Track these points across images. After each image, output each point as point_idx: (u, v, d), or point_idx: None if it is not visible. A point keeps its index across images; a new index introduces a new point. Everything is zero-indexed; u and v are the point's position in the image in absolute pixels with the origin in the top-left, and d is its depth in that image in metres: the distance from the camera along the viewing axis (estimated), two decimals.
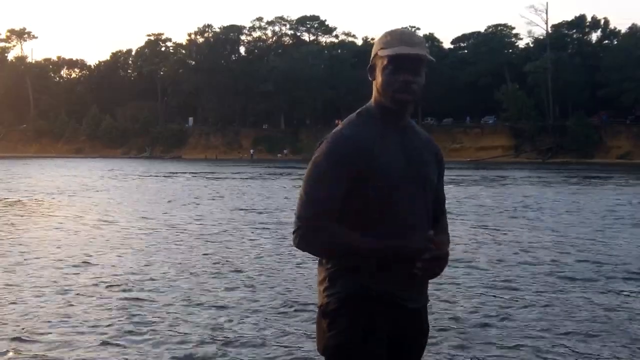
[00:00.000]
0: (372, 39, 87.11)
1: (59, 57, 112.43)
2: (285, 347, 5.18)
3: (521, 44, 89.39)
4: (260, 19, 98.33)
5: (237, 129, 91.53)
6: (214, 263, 8.86)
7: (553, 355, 5.05)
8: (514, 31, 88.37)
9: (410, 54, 2.14)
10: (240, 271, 8.28)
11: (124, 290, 7.09)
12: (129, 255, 9.42)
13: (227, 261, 9.02)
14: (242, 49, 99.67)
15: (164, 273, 8.10)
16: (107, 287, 7.27)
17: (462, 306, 6.48)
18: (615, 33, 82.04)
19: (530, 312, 6.32)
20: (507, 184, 29.68)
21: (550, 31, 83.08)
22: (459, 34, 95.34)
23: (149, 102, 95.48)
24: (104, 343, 5.21)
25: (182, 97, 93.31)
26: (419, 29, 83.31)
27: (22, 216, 15.09)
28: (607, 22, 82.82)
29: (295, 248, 2.25)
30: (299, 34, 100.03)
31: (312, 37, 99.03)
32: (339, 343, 2.18)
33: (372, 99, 2.27)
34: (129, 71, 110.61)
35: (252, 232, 12.28)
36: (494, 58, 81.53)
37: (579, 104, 73.53)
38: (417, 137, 2.30)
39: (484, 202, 19.30)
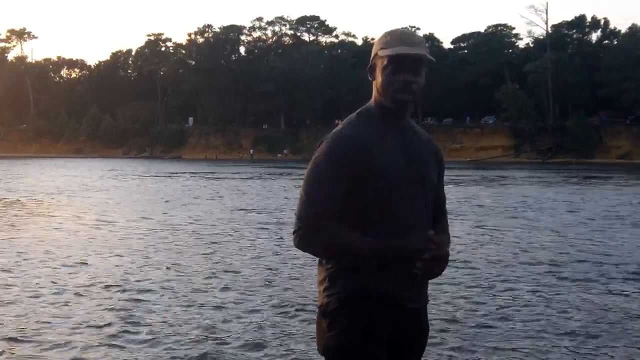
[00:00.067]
0: (372, 39, 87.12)
1: (59, 57, 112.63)
2: (285, 347, 5.18)
3: (521, 44, 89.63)
4: (260, 19, 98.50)
5: (237, 129, 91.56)
6: (213, 263, 8.86)
7: (552, 356, 5.05)
8: (514, 31, 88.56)
9: (410, 54, 2.14)
10: (239, 271, 8.28)
11: (122, 291, 7.07)
12: (127, 256, 9.40)
13: (226, 261, 9.01)
14: (242, 49, 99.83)
15: (162, 273, 8.09)
16: (104, 287, 7.26)
17: (461, 306, 6.48)
18: (615, 33, 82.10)
19: (530, 312, 6.31)
20: (507, 184, 29.68)
21: (550, 31, 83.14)
22: (459, 34, 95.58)
23: (149, 102, 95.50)
24: (101, 344, 5.20)
25: (182, 97, 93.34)
26: (419, 29, 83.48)
27: (21, 216, 15.09)
28: (607, 22, 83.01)
29: (294, 248, 2.25)
30: (299, 34, 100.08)
31: (312, 37, 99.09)
32: (339, 343, 2.18)
33: (372, 99, 2.27)
34: (129, 71, 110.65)
35: (252, 232, 12.27)
36: (494, 58, 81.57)
37: (579, 104, 73.57)
38: (417, 137, 2.30)
39: (483, 202, 19.30)
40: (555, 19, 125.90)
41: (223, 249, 10.20)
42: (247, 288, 7.28)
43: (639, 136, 69.99)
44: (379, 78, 2.20)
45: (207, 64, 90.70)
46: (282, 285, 7.40)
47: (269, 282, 7.61)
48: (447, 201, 2.47)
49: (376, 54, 2.21)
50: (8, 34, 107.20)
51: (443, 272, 2.24)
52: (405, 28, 2.44)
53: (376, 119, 2.23)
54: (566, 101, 76.84)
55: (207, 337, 5.41)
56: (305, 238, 2.17)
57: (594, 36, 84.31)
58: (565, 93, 75.60)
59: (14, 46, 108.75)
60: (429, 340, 2.46)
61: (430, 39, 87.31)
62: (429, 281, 2.31)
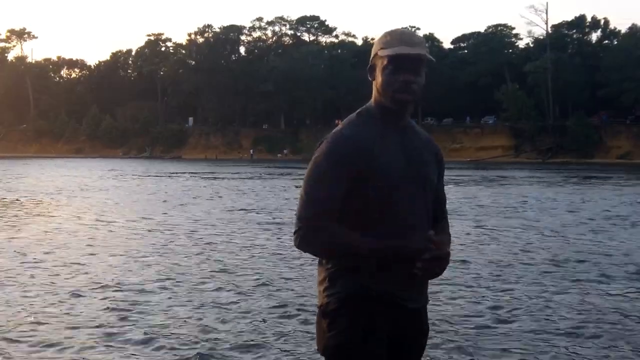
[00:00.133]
0: (372, 39, 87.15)
1: (59, 57, 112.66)
2: (285, 347, 5.17)
3: (521, 44, 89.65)
4: (260, 19, 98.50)
5: (237, 129, 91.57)
6: (212, 263, 8.85)
7: (552, 356, 5.05)
8: (514, 31, 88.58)
9: (410, 53, 2.14)
10: (238, 271, 8.27)
11: (120, 291, 7.06)
12: (125, 256, 9.39)
13: (225, 261, 9.01)
14: (242, 49, 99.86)
15: (160, 273, 8.08)
16: (102, 287, 7.24)
17: (461, 306, 6.48)
18: (615, 33, 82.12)
19: (530, 312, 6.31)
20: (507, 184, 29.68)
21: (550, 31, 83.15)
22: (459, 34, 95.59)
23: (149, 102, 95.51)
24: (99, 344, 5.19)
25: (182, 97, 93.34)
26: (419, 29, 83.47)
27: (20, 216, 15.09)
28: (607, 22, 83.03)
29: (294, 248, 2.25)
30: (299, 34, 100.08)
31: (312, 37, 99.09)
32: (339, 343, 2.18)
33: (372, 99, 2.27)
34: (129, 71, 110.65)
35: (251, 232, 12.27)
36: (494, 58, 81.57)
37: (579, 104, 73.58)
38: (417, 137, 2.30)
39: (483, 202, 19.30)
40: (555, 19, 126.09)
41: (222, 249, 10.19)
42: (246, 288, 7.27)
43: (639, 136, 70.01)
44: (378, 78, 2.20)
45: (207, 64, 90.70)
46: (281, 285, 7.40)
47: (268, 282, 7.60)
48: (447, 201, 2.47)
49: (376, 54, 2.21)
50: (8, 34, 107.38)
51: (443, 272, 2.25)
52: (405, 28, 2.44)
53: (376, 119, 2.23)
54: (566, 101, 76.86)
55: (206, 337, 5.40)
56: (306, 238, 2.17)
57: (594, 36, 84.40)
58: (565, 93, 75.62)
59: (14, 46, 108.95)
60: (429, 341, 2.46)
61: (430, 39, 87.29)
62: (429, 281, 2.31)
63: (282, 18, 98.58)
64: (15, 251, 9.65)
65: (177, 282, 7.56)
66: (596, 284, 7.63)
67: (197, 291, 7.10)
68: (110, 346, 5.15)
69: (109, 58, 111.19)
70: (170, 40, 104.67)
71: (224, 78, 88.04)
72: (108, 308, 6.29)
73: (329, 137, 2.22)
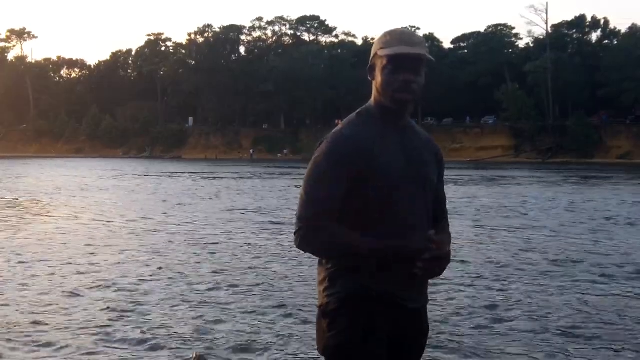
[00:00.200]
0: (372, 39, 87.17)
1: (59, 57, 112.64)
2: (285, 347, 5.17)
3: (521, 44, 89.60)
4: (260, 19, 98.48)
5: (237, 129, 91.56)
6: (212, 263, 8.85)
7: (552, 356, 5.05)
8: (514, 31, 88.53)
9: (410, 53, 2.14)
10: (238, 271, 8.27)
11: (118, 291, 7.06)
12: (124, 256, 9.39)
13: (224, 261, 9.01)
14: (242, 49, 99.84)
15: (160, 273, 8.08)
16: (100, 287, 7.24)
17: (460, 306, 6.48)
18: (615, 33, 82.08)
19: (529, 312, 6.31)
20: (507, 184, 29.68)
21: (550, 31, 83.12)
22: (459, 34, 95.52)
23: (149, 102, 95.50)
24: (96, 344, 5.19)
25: (182, 97, 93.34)
26: (419, 29, 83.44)
27: (20, 216, 15.09)
28: (607, 22, 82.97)
29: (294, 248, 2.25)
30: (299, 34, 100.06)
31: (312, 37, 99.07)
32: (339, 343, 2.18)
33: (372, 99, 2.27)
34: (129, 71, 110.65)
35: (251, 232, 12.27)
36: (494, 58, 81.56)
37: (579, 104, 73.56)
38: (417, 137, 2.30)
39: (483, 202, 19.30)
40: (555, 19, 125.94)
41: (222, 248, 10.19)
42: (246, 288, 7.27)
43: (639, 136, 70.00)
44: (378, 78, 2.20)
45: (207, 64, 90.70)
46: (281, 285, 7.39)
47: (268, 281, 7.60)
48: (447, 201, 2.47)
49: (376, 54, 2.21)
50: (8, 34, 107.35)
51: (443, 272, 2.24)
52: (405, 28, 2.44)
53: (376, 118, 2.23)
54: (566, 101, 76.84)
55: (205, 337, 5.40)
56: (306, 238, 2.17)
57: (594, 36, 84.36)
58: (565, 93, 75.60)
59: (14, 46, 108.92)
60: (429, 341, 2.46)
61: (430, 39, 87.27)
62: (429, 281, 2.31)
63: (282, 18, 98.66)
64: (14, 252, 9.65)
65: (176, 281, 7.56)
66: (596, 284, 7.62)
67: (196, 291, 7.09)
68: (109, 346, 5.14)
69: (109, 58, 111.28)
70: (170, 40, 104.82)
71: (224, 78, 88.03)
72: (107, 308, 6.28)
73: (329, 137, 2.21)
